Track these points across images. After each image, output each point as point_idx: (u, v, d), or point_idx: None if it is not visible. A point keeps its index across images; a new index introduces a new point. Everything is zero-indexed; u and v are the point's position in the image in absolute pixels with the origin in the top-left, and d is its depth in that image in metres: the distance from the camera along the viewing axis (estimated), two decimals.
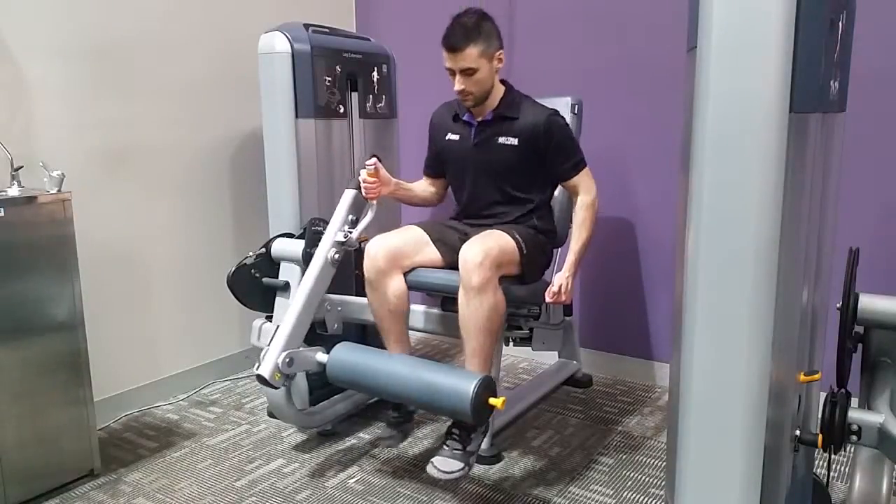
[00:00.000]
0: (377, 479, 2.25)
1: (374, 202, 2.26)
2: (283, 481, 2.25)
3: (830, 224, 1.45)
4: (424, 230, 2.28)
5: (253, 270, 2.35)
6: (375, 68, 2.72)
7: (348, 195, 2.27)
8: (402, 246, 2.21)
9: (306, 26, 2.49)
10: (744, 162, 1.12)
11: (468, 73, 2.14)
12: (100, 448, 2.28)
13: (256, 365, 2.07)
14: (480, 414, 1.85)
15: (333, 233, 2.22)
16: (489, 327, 2.02)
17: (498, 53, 2.18)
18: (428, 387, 1.91)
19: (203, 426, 2.64)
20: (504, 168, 2.26)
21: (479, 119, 2.27)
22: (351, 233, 2.23)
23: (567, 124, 2.27)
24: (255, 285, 2.36)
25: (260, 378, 2.06)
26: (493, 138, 2.24)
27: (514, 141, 2.21)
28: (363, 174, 2.20)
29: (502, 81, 2.28)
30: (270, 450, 2.45)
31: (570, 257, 2.20)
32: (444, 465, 1.97)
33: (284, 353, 2.07)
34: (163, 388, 2.85)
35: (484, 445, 2.31)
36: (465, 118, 2.32)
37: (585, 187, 2.24)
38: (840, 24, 1.27)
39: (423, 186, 2.51)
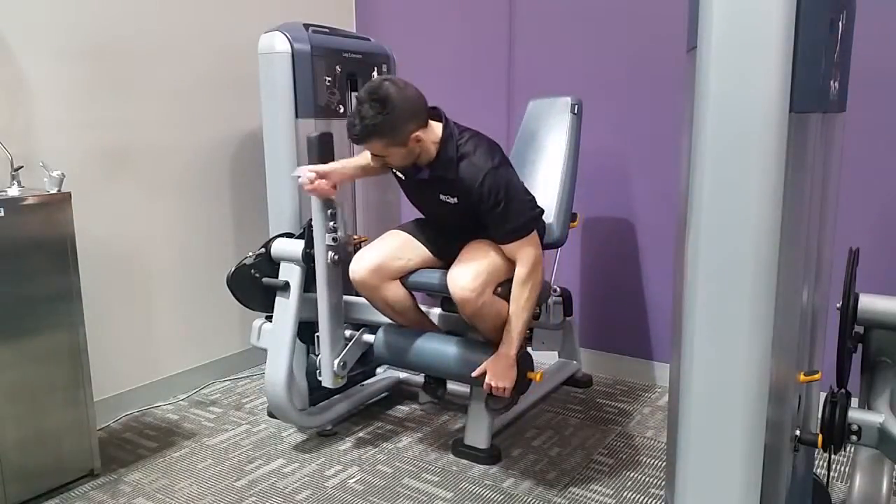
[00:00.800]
0: (377, 479, 2.25)
1: (339, 207, 2.26)
2: (283, 481, 2.25)
3: (830, 224, 1.45)
4: (409, 233, 2.27)
5: (253, 270, 2.36)
6: (375, 68, 2.72)
7: (315, 199, 2.23)
8: (386, 257, 2.18)
9: (306, 26, 2.49)
10: (744, 162, 1.12)
11: (381, 157, 2.01)
12: (100, 448, 2.27)
13: (318, 373, 2.36)
14: (519, 386, 2.01)
15: (322, 238, 2.24)
16: (500, 327, 2.08)
17: (415, 135, 1.94)
18: (468, 363, 2.06)
19: (203, 426, 2.64)
20: (455, 219, 2.15)
21: (417, 176, 2.10)
22: (336, 230, 2.25)
23: (507, 183, 1.98)
24: (255, 285, 2.36)
25: (330, 391, 2.40)
26: (435, 194, 2.09)
27: (454, 200, 2.06)
28: (303, 182, 2.12)
29: (444, 123, 2.04)
30: (270, 450, 2.45)
31: (506, 335, 2.02)
32: (490, 401, 2.15)
33: (338, 360, 2.32)
34: (163, 388, 2.85)
35: (484, 444, 2.31)
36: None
37: (521, 258, 2.02)
38: (840, 24, 1.27)
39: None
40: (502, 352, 2.01)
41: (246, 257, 2.36)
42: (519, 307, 2.02)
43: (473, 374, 2.03)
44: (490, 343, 2.11)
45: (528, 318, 2.03)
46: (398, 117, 1.90)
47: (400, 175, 2.17)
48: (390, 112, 1.88)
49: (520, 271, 2.02)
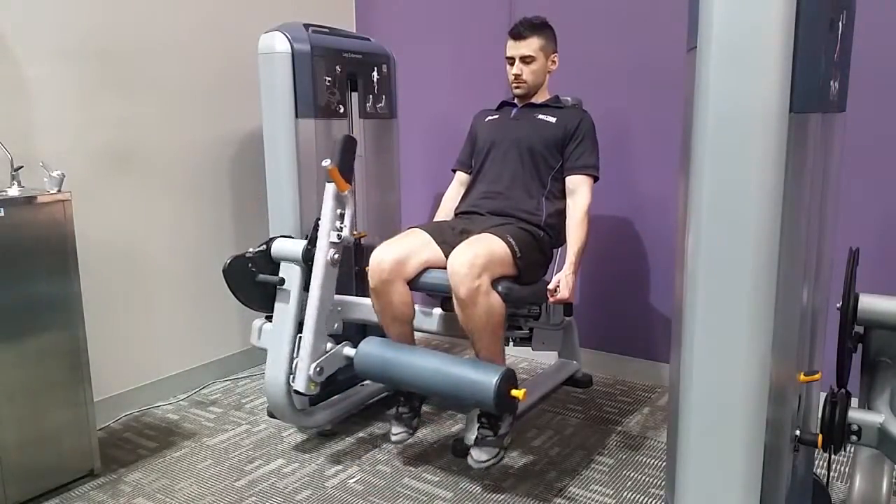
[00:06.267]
0: (377, 479, 2.25)
1: (350, 192, 2.30)
2: (283, 481, 2.25)
3: (830, 224, 1.45)
4: (427, 231, 2.29)
5: (250, 264, 2.34)
6: (375, 68, 2.72)
7: (329, 190, 2.27)
8: (406, 252, 2.20)
9: (306, 26, 2.49)
10: (744, 162, 1.12)
11: (526, 60, 2.34)
12: (100, 448, 2.28)
13: (292, 377, 2.26)
14: (503, 405, 1.95)
15: (327, 233, 2.24)
16: (489, 329, 2.07)
17: (553, 55, 2.40)
18: (452, 380, 2.00)
19: (203, 426, 2.64)
20: (536, 137, 2.37)
21: (524, 104, 2.46)
22: (342, 229, 2.25)
23: (595, 131, 2.40)
24: (249, 279, 2.33)
25: (297, 392, 2.24)
26: (534, 115, 2.42)
27: (553, 119, 2.38)
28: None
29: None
30: (270, 450, 2.45)
31: (570, 257, 2.22)
32: (481, 454, 2.08)
33: (314, 364, 2.21)
34: (163, 388, 2.85)
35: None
36: (509, 102, 2.51)
37: (581, 192, 2.31)
38: (840, 24, 1.27)
39: (456, 191, 2.58)
40: (569, 271, 2.19)
41: (246, 251, 2.35)
42: (580, 230, 2.26)
43: (549, 287, 2.15)
44: (481, 351, 2.10)
45: (586, 240, 2.26)
46: (553, 34, 2.40)
47: (493, 118, 2.50)
48: (550, 27, 2.39)
49: (581, 201, 2.30)
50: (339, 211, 2.27)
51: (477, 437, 2.12)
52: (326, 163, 2.23)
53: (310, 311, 2.24)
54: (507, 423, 2.14)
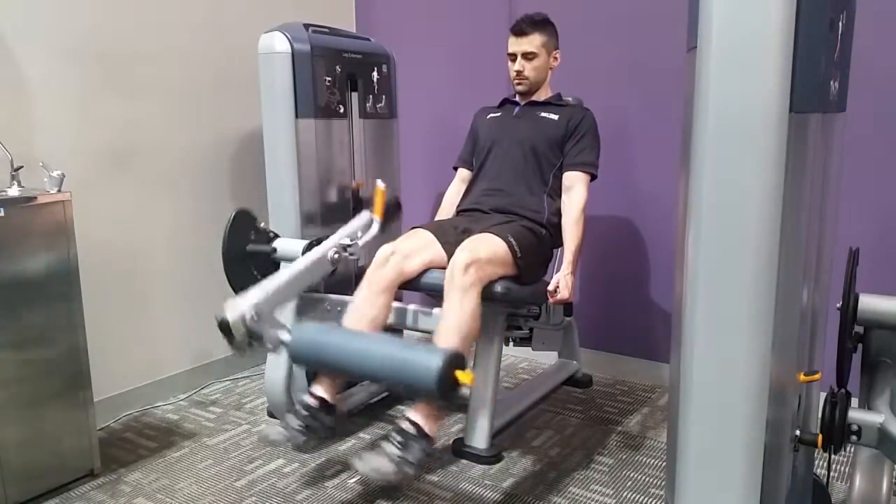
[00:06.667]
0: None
1: (378, 221, 2.36)
2: (283, 481, 2.25)
3: (830, 224, 1.45)
4: (430, 231, 2.29)
5: (253, 232, 2.30)
6: (375, 68, 2.72)
7: (364, 216, 2.37)
8: (410, 253, 2.20)
9: (306, 26, 2.49)
10: (744, 162, 1.12)
11: (528, 57, 2.36)
12: (100, 448, 2.28)
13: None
14: (446, 389, 1.68)
15: (339, 237, 2.25)
16: (461, 330, 1.96)
17: (555, 52, 2.41)
18: (392, 360, 1.76)
19: (203, 426, 2.64)
20: (538, 135, 2.38)
21: (525, 102, 2.47)
22: (355, 245, 2.27)
23: (596, 128, 2.41)
24: (245, 243, 2.29)
25: (222, 323, 1.85)
26: (536, 112, 2.43)
27: (555, 117, 2.39)
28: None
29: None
30: (270, 450, 2.45)
31: (568, 255, 2.22)
32: (373, 461, 1.82)
33: (257, 302, 1.90)
34: (163, 388, 2.85)
35: (484, 445, 2.31)
36: (511, 100, 2.52)
37: (578, 189, 2.31)
38: (840, 24, 1.27)
39: (458, 188, 2.59)
40: (568, 271, 2.18)
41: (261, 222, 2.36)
42: (577, 228, 2.25)
43: (549, 289, 2.13)
44: (453, 337, 1.96)
45: (582, 238, 2.26)
46: (555, 31, 2.41)
47: (495, 115, 2.51)
48: (552, 24, 2.39)
49: (577, 198, 2.29)
50: (359, 234, 2.32)
51: (382, 446, 1.87)
52: (381, 185, 2.34)
53: (289, 268, 2.10)
54: (416, 451, 1.85)
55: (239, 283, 2.26)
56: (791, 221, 1.19)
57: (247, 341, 1.91)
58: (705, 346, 1.19)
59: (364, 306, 2.13)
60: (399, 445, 1.85)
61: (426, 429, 1.89)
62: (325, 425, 2.04)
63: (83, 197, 2.32)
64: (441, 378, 1.66)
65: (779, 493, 1.35)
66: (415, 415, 1.90)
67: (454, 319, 1.99)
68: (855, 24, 1.39)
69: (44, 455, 2.13)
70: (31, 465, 2.10)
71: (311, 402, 2.04)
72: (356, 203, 2.70)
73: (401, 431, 1.88)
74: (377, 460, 1.82)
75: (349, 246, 2.25)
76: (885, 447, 1.39)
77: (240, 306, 1.89)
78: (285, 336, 1.95)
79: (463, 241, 2.13)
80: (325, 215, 2.61)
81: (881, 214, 2.43)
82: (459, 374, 1.69)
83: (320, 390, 2.07)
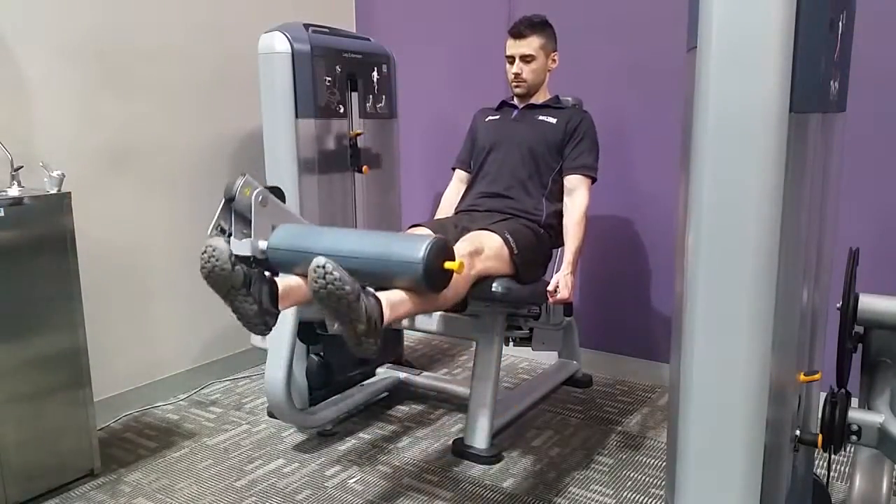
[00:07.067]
0: (377, 479, 2.25)
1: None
2: (283, 481, 2.25)
3: (830, 224, 1.45)
4: (430, 229, 2.29)
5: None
6: (375, 68, 2.72)
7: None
8: None
9: (306, 26, 2.49)
10: (744, 162, 1.12)
11: (526, 59, 2.35)
12: (100, 448, 2.28)
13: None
14: (434, 276, 1.67)
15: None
16: (423, 300, 1.81)
17: (553, 54, 2.40)
18: (379, 243, 1.73)
19: (203, 426, 2.64)
20: (537, 138, 2.38)
21: (524, 104, 2.47)
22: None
23: (595, 132, 2.41)
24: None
25: (230, 185, 1.82)
26: (534, 115, 2.43)
27: (553, 120, 2.39)
28: None
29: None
30: (270, 450, 2.45)
31: (568, 256, 2.22)
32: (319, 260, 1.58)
33: (265, 189, 1.85)
34: (163, 388, 2.85)
35: (484, 444, 2.31)
36: (509, 103, 2.51)
37: (580, 193, 2.31)
38: (840, 24, 1.27)
39: (456, 189, 2.58)
40: (568, 271, 2.19)
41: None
42: (578, 229, 2.26)
43: (548, 289, 2.13)
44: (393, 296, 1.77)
45: (583, 240, 2.27)
46: (553, 33, 2.40)
47: (494, 117, 2.51)
48: (550, 26, 2.39)
49: (578, 201, 2.29)
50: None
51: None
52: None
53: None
54: (371, 305, 1.64)
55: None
56: (791, 221, 1.19)
57: (244, 204, 1.84)
58: (705, 346, 1.19)
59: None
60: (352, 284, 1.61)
61: (384, 305, 1.70)
62: (255, 290, 1.80)
63: (83, 197, 2.32)
64: (428, 265, 1.65)
65: (779, 493, 1.35)
66: (382, 293, 1.74)
67: (433, 300, 1.84)
68: (855, 24, 1.39)
69: (44, 455, 2.13)
70: (31, 465, 2.10)
71: (266, 275, 1.84)
72: (354, 152, 2.63)
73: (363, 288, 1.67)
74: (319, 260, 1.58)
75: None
76: (885, 447, 1.39)
77: (253, 182, 1.82)
78: (263, 245, 1.85)
79: (461, 238, 2.13)
80: (324, 215, 2.60)
81: (881, 214, 2.43)
82: (448, 263, 1.69)
83: (280, 285, 1.82)
